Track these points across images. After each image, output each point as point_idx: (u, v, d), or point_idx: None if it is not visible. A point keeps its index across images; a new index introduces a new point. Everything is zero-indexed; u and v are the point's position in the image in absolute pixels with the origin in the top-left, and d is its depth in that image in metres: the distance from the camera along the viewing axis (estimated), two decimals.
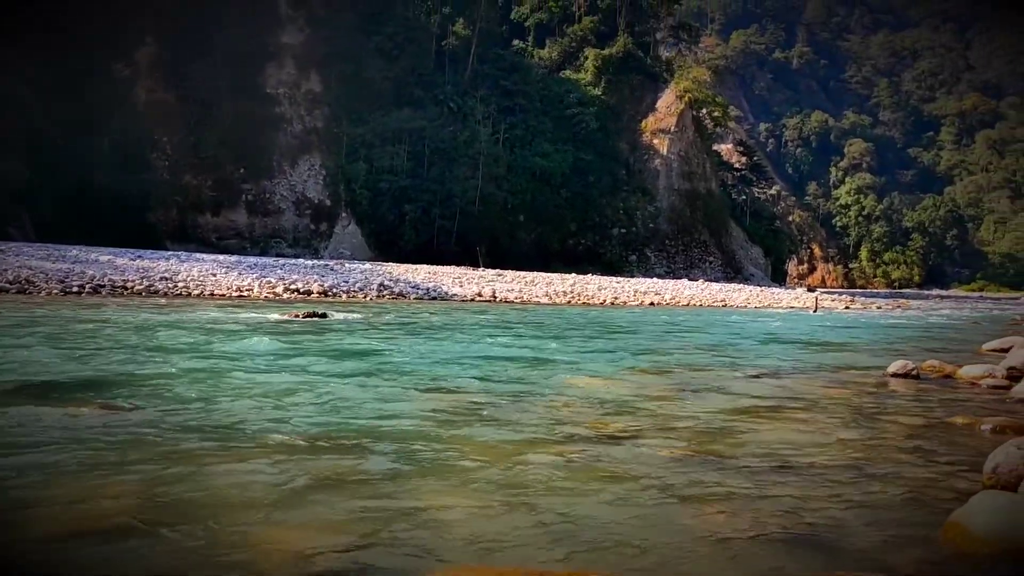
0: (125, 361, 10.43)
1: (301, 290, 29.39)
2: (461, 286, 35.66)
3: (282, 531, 4.22)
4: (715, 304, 39.50)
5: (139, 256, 33.30)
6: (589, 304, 35.14)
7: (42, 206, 43.46)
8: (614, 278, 50.72)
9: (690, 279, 56.58)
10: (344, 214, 55.81)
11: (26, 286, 23.96)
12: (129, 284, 26.25)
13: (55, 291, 23.89)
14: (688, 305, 38.19)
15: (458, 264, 49.09)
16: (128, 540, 4.02)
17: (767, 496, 5.13)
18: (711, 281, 56.91)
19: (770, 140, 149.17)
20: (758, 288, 54.07)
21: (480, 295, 34.06)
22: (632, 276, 58.18)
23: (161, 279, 27.79)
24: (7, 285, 23.79)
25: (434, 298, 32.42)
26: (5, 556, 3.81)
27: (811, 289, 70.93)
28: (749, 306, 39.85)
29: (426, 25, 67.22)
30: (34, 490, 4.74)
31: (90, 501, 4.57)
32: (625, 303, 36.78)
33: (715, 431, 7.21)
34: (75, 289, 24.54)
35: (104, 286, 25.58)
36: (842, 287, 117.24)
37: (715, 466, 5.87)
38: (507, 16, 77.03)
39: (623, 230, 67.03)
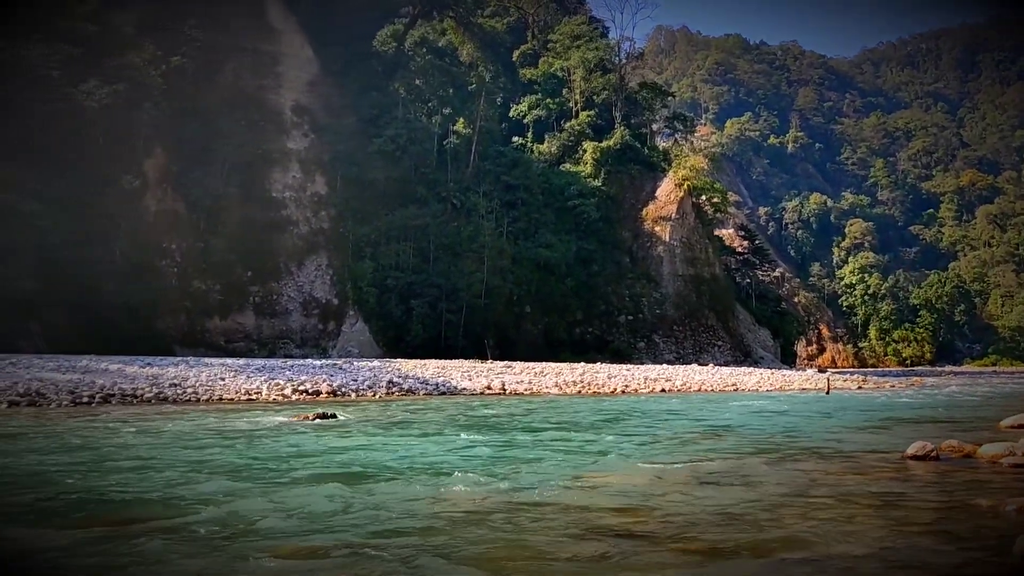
0: (131, 476, 10.36)
1: (310, 391, 29.27)
2: (470, 380, 35.50)
3: None
4: (727, 388, 39.16)
5: (148, 364, 33.30)
6: (600, 393, 34.89)
7: (52, 318, 43.70)
8: (623, 366, 50.41)
9: (700, 364, 56.25)
10: (351, 312, 56.03)
11: (36, 399, 23.89)
12: (139, 392, 26.21)
13: (65, 402, 23.82)
14: (700, 390, 37.87)
15: (466, 357, 48.93)
16: None
17: None
18: (721, 365, 56.55)
19: (770, 223, 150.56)
20: (769, 371, 53.64)
21: (489, 388, 33.86)
22: (641, 363, 57.86)
23: (170, 385, 27.74)
24: (18, 398, 23.73)
25: (443, 393, 32.24)
26: None
27: (822, 370, 70.42)
28: (761, 389, 39.48)
29: (427, 126, 68.91)
30: None
31: None
32: (636, 391, 36.48)
33: (736, 522, 7.08)
34: (85, 400, 24.45)
35: (114, 395, 25.53)
36: (853, 367, 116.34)
37: (738, 558, 5.75)
38: (506, 114, 79.00)
39: (630, 317, 67.06)
